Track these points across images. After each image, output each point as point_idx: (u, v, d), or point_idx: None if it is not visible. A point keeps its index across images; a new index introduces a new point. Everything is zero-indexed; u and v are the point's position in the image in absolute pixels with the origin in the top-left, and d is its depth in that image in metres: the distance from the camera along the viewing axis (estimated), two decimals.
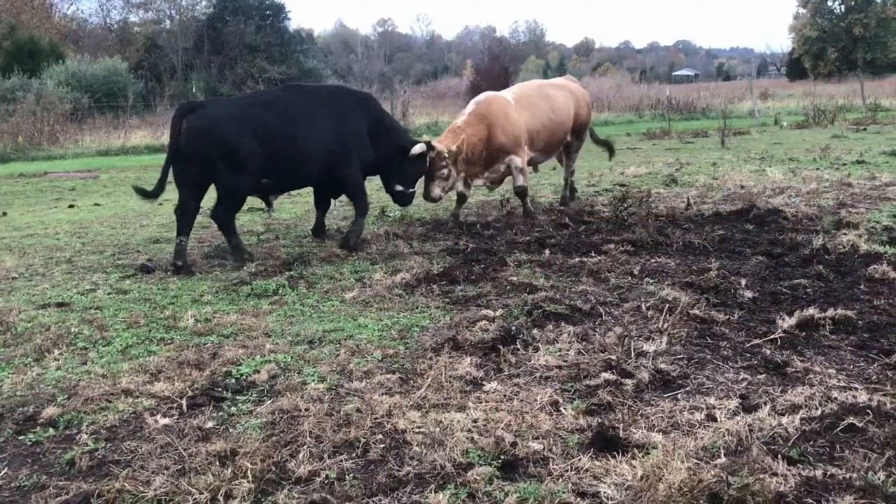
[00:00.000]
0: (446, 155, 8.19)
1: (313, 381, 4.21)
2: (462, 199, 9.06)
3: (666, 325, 4.76)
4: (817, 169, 12.31)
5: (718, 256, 6.63)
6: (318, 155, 7.55)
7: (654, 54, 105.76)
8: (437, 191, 8.38)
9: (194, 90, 32.00)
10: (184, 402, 3.99)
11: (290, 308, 5.66)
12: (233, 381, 4.29)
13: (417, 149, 8.02)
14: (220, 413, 3.88)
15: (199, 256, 7.50)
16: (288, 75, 49.71)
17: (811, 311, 4.81)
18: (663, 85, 50.48)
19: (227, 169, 7.00)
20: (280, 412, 3.81)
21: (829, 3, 69.36)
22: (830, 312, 4.77)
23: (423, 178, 8.37)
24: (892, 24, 66.15)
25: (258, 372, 4.36)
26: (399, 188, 8.28)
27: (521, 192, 9.02)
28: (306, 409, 3.81)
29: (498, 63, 36.78)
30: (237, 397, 4.07)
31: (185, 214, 7.18)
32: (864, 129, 21.06)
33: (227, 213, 7.29)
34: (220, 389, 4.16)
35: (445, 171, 8.29)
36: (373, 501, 3.02)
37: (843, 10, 68.49)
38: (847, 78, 53.00)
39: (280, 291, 6.08)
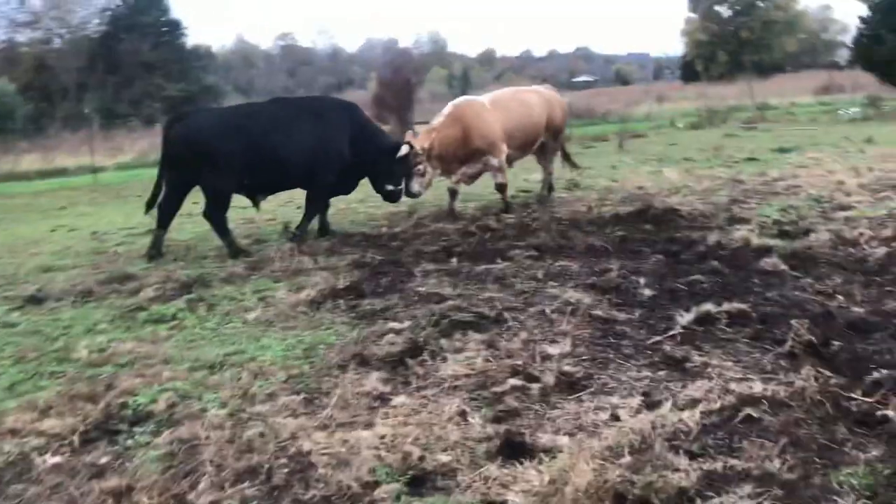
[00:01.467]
0: (419, 152, 8.87)
1: (214, 407, 4.07)
2: (453, 193, 9.80)
3: (569, 328, 4.81)
4: (711, 167, 12.77)
5: (619, 257, 6.75)
6: (298, 160, 8.40)
7: (555, 62, 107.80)
8: (416, 186, 9.08)
9: (87, 111, 30.79)
10: (76, 438, 3.79)
11: (189, 332, 5.47)
12: (129, 412, 4.09)
13: (404, 150, 8.80)
14: (116, 447, 3.71)
15: (94, 283, 7.16)
16: (188, 92, 48.60)
17: (708, 305, 4.93)
18: (564, 91, 51.60)
19: (209, 172, 7.91)
20: (179, 442, 3.66)
21: (717, 8, 72.33)
22: (726, 306, 4.91)
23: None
24: (776, 27, 69.52)
25: (156, 401, 4.17)
26: (390, 187, 9.16)
27: (501, 188, 9.76)
28: (207, 438, 3.67)
29: (401, 75, 36.79)
30: (134, 429, 3.89)
31: (167, 210, 8.28)
32: (755, 128, 22.01)
33: (217, 212, 8.14)
34: (115, 422, 3.97)
35: (421, 167, 8.97)
36: None
37: (730, 14, 71.55)
38: (737, 79, 55.24)
39: (179, 316, 5.87)
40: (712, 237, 6.97)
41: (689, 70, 73.22)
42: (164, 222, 8.28)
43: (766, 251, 6.44)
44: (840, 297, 5.12)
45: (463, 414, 3.77)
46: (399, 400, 3.99)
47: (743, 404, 3.59)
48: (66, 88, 48.28)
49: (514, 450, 3.33)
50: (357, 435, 3.58)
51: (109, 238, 10.09)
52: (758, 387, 3.78)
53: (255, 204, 8.91)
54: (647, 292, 5.54)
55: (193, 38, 72.31)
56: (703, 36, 70.92)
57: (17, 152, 26.80)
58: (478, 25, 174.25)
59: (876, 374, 3.73)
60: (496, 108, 9.68)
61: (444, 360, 4.51)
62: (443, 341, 4.81)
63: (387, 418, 3.77)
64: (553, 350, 4.48)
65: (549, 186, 10.89)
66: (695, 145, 17.49)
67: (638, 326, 4.89)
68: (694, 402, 3.66)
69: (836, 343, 4.26)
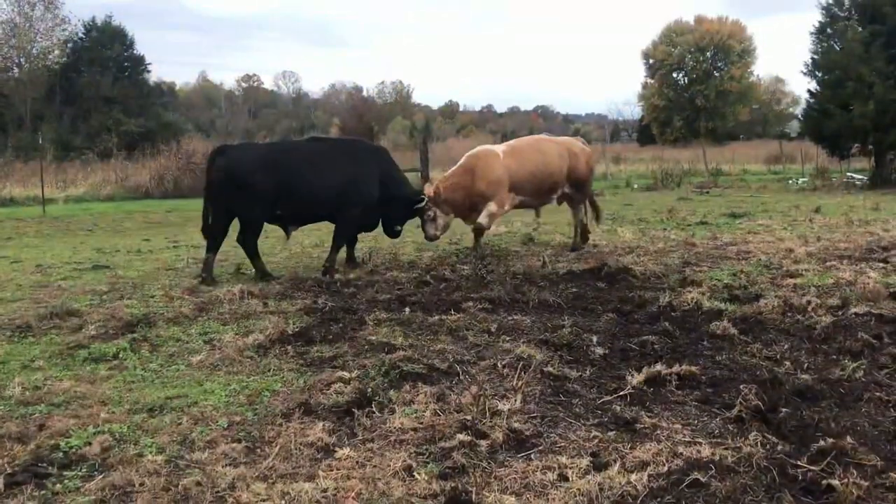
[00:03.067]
0: (427, 198, 9.65)
1: (151, 452, 3.91)
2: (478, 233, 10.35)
3: (520, 384, 4.76)
4: (664, 229, 12.98)
5: (572, 313, 6.76)
6: (328, 195, 8.91)
7: (515, 118, 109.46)
8: (430, 230, 9.93)
9: (41, 141, 30.28)
10: (1, 481, 3.60)
11: (130, 373, 5.29)
12: (60, 454, 3.91)
13: (423, 201, 9.67)
14: (43, 492, 3.52)
15: (34, 318, 6.92)
16: (146, 128, 48.17)
17: (658, 367, 4.94)
18: None
19: (243, 201, 8.56)
20: (111, 488, 3.50)
21: (675, 75, 74.65)
22: (676, 368, 4.92)
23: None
24: (730, 97, 71.94)
25: (90, 444, 4.00)
26: (398, 228, 10.01)
27: (477, 229, 10.20)
28: (141, 484, 3.52)
29: (362, 122, 37.03)
30: (64, 473, 3.71)
31: (214, 236, 8.83)
32: (707, 192, 22.53)
33: (250, 239, 8.81)
34: (44, 465, 3.79)
35: (431, 212, 9.77)
36: None
37: (686, 81, 73.87)
38: (692, 144, 56.78)
39: (121, 355, 5.68)
40: (664, 298, 7.02)
41: (646, 133, 75.11)
42: (212, 246, 8.83)
43: (716, 314, 6.50)
44: (788, 364, 5.16)
45: (408, 469, 3.68)
46: (344, 452, 3.88)
47: (691, 468, 3.56)
48: (21, 118, 47.49)
49: None
50: (298, 487, 3.45)
51: (54, 272, 9.81)
52: (706, 451, 3.75)
53: (287, 234, 9.45)
54: (599, 351, 5.53)
55: (156, 73, 71.92)
56: (660, 101, 73.06)
57: None
58: (442, 77, 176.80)
59: (822, 443, 3.74)
60: (509, 157, 10.10)
61: (393, 411, 4.42)
62: (392, 392, 4.72)
63: (330, 471, 3.66)
64: (503, 406, 4.41)
65: (582, 235, 11.08)
66: (649, 206, 17.81)
67: (589, 385, 4.86)
68: (642, 465, 3.62)
69: (784, 409, 4.28)
